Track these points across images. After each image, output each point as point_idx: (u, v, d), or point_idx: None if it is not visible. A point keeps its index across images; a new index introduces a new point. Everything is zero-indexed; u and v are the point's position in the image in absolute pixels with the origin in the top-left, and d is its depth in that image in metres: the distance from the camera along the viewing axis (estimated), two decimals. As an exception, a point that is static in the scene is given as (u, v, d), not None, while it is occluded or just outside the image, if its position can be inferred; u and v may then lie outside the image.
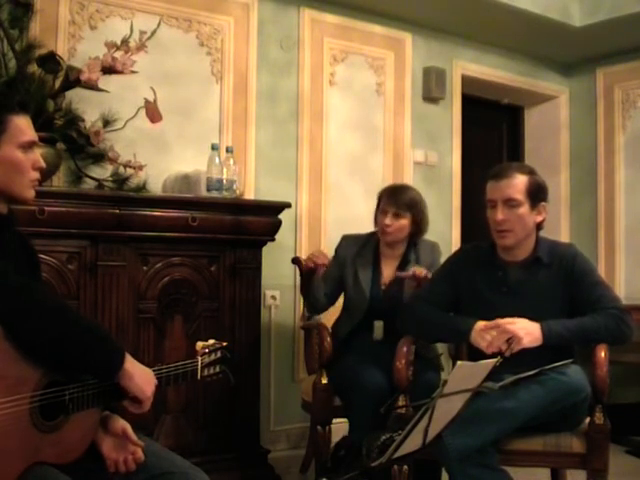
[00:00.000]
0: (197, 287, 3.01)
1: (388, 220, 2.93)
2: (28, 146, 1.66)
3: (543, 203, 2.43)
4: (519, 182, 2.38)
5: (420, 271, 2.83)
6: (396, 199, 2.95)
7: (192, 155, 3.44)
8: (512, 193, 2.37)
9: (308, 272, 3.12)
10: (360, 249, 3.04)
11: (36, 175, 1.69)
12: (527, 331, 2.26)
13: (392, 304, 2.83)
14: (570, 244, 2.69)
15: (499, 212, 2.38)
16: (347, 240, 3.12)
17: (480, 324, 2.33)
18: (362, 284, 2.96)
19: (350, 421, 2.77)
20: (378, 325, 2.91)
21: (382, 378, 2.68)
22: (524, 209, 2.38)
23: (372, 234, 3.07)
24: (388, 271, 3.00)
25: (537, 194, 2.41)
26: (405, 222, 2.95)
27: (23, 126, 1.65)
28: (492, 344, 2.28)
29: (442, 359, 3.00)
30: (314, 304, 3.11)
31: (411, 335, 2.55)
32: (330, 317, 3.15)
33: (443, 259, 2.87)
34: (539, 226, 2.46)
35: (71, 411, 1.55)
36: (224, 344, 1.89)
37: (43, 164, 1.70)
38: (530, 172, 2.44)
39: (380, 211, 2.99)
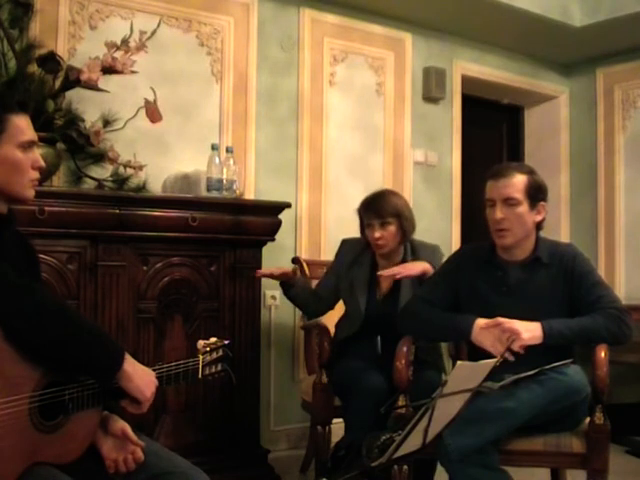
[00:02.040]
0: (197, 287, 3.01)
1: (377, 233, 2.84)
2: (28, 146, 1.66)
3: (542, 203, 2.43)
4: (518, 181, 2.38)
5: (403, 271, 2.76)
6: (377, 209, 2.86)
7: (192, 155, 3.44)
8: (511, 192, 2.37)
9: (282, 285, 3.07)
10: (357, 257, 2.97)
11: (36, 175, 1.69)
12: (527, 328, 2.26)
13: (388, 317, 2.72)
14: (570, 244, 2.68)
15: (498, 211, 2.38)
16: (345, 245, 3.05)
17: (480, 322, 2.33)
18: (357, 297, 2.90)
19: (346, 421, 2.76)
20: (378, 341, 2.85)
21: (380, 379, 2.67)
22: (523, 208, 2.38)
23: (368, 241, 2.95)
24: (385, 282, 2.92)
25: (536, 194, 2.41)
26: (393, 229, 2.85)
27: (22, 126, 1.65)
28: (496, 345, 2.27)
29: (442, 360, 2.99)
30: (304, 312, 3.16)
31: (411, 335, 2.55)
32: (333, 316, 3.13)
33: (444, 261, 2.86)
34: (539, 226, 2.46)
35: (71, 411, 1.55)
36: (225, 342, 1.89)
37: (43, 163, 1.70)
38: (529, 172, 2.44)
39: (365, 226, 2.91)
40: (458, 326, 2.40)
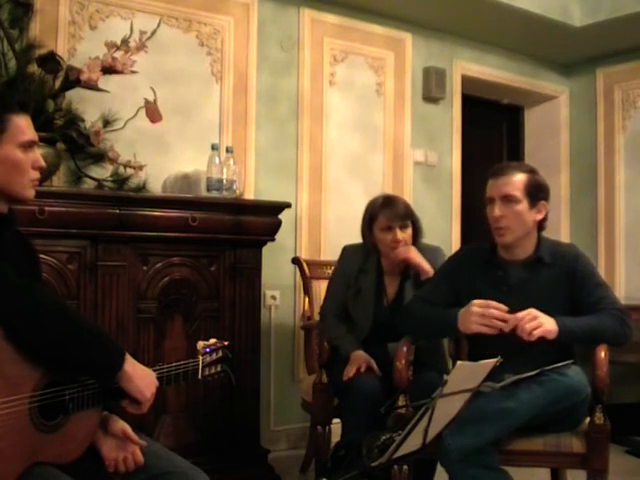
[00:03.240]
0: (197, 287, 3.01)
1: (399, 235, 2.79)
2: (28, 145, 1.66)
3: (543, 202, 2.42)
4: (517, 180, 2.38)
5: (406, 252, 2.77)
6: (397, 212, 2.80)
7: (192, 155, 3.44)
8: (510, 190, 2.37)
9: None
10: (363, 264, 2.92)
11: (36, 175, 1.69)
12: (547, 320, 2.23)
13: (395, 323, 2.67)
14: (571, 244, 2.68)
15: (497, 209, 2.38)
16: (349, 252, 2.98)
17: (462, 310, 2.32)
18: (366, 304, 2.87)
19: (342, 422, 2.76)
20: (392, 347, 2.76)
21: (374, 381, 2.67)
22: (522, 206, 2.38)
23: (373, 245, 2.90)
24: (391, 287, 2.90)
25: (536, 192, 2.40)
26: (410, 231, 2.83)
27: (23, 126, 1.65)
28: (480, 321, 2.25)
29: (444, 361, 2.97)
30: None
31: (411, 334, 2.55)
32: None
33: (441, 259, 2.85)
34: (540, 226, 2.46)
35: (71, 411, 1.55)
36: (225, 343, 1.89)
37: (43, 163, 1.70)
38: (530, 171, 2.44)
39: (381, 229, 2.82)
40: (448, 320, 2.38)
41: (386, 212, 2.82)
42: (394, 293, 2.90)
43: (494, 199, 2.40)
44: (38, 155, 1.69)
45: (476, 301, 2.30)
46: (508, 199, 2.38)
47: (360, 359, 2.74)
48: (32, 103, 2.68)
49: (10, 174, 1.63)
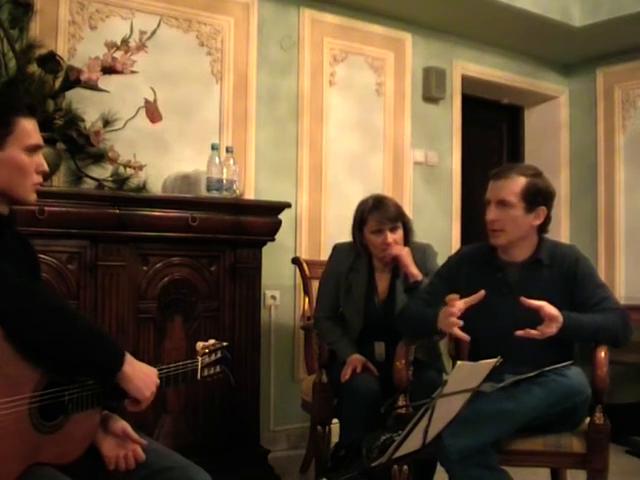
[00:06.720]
0: (197, 287, 3.01)
1: (389, 238, 2.78)
2: (33, 149, 1.66)
3: (543, 207, 2.40)
4: (515, 184, 2.37)
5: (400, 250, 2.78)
6: (387, 215, 2.79)
7: (192, 155, 3.45)
8: (505, 194, 2.37)
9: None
10: (354, 263, 2.91)
11: (39, 179, 1.69)
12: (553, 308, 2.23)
13: (387, 322, 2.71)
14: (571, 245, 2.68)
15: (491, 212, 2.39)
16: (340, 251, 2.98)
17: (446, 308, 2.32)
18: (357, 304, 2.86)
19: (340, 422, 2.76)
20: (379, 346, 2.84)
21: (372, 380, 2.68)
22: (516, 211, 2.36)
23: (364, 246, 2.90)
24: (382, 286, 2.90)
25: (534, 198, 2.38)
26: (401, 232, 2.83)
27: (30, 129, 1.65)
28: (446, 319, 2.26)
29: (442, 360, 2.98)
30: None
31: (406, 335, 2.54)
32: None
33: (440, 259, 2.85)
34: (541, 229, 2.45)
35: (71, 411, 1.55)
36: (224, 344, 1.89)
37: (47, 168, 1.71)
38: (533, 174, 2.40)
39: (372, 232, 2.81)
40: (433, 318, 2.38)
41: (376, 215, 2.81)
42: (385, 292, 2.90)
43: (490, 202, 2.41)
44: (42, 159, 1.69)
45: (450, 296, 2.29)
46: (503, 203, 2.37)
47: (356, 361, 2.75)
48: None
49: (13, 177, 1.63)
